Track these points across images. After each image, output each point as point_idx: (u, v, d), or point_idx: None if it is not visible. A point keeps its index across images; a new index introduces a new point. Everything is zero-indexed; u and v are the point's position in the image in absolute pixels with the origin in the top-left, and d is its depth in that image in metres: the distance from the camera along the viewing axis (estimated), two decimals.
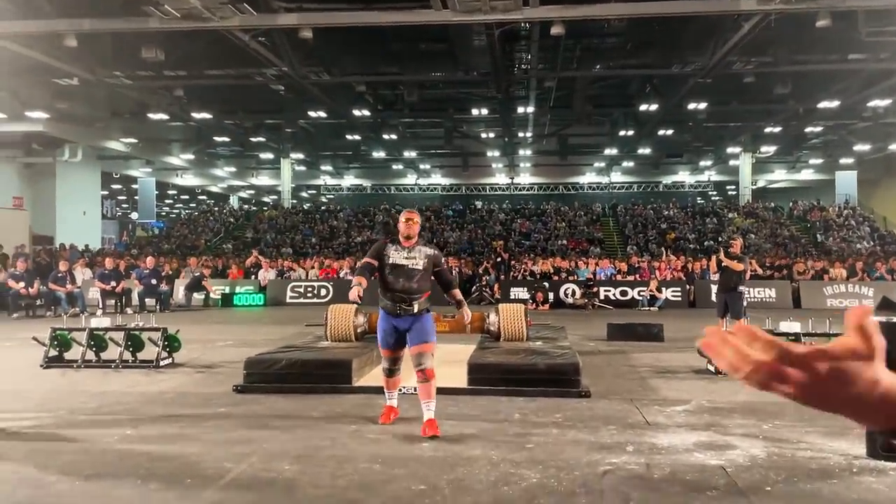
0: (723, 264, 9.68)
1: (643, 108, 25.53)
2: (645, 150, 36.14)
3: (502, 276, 20.81)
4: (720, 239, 25.85)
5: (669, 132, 31.42)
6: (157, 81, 22.87)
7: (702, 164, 40.43)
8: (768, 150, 35.11)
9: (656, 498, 4.19)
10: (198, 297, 18.71)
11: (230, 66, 21.32)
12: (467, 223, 31.23)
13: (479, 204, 37.74)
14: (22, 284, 15.56)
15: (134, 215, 48.28)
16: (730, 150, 35.63)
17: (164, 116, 26.90)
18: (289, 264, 21.93)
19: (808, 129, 30.60)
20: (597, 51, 22.03)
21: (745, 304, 9.89)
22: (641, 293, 18.14)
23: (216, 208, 40.55)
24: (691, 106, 25.32)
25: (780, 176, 42.08)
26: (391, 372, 5.80)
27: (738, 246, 9.97)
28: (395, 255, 5.50)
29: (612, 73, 23.40)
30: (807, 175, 40.82)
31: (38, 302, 15.72)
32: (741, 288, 9.65)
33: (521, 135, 32.65)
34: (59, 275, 16.08)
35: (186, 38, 18.31)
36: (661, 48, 20.62)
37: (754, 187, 38.07)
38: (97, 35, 17.80)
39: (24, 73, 21.23)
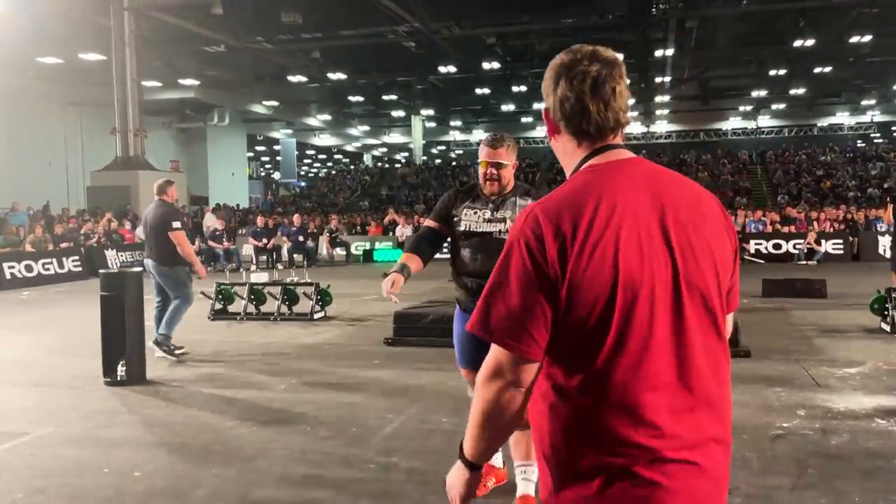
0: None
1: (797, 44, 23.38)
2: (798, 91, 33.23)
3: None
4: (889, 185, 23.55)
5: (826, 69, 28.64)
6: (296, 44, 23.68)
7: (863, 103, 36.66)
8: None
9: (836, 467, 3.90)
10: (340, 252, 19.54)
11: (364, 25, 21.65)
12: None
13: None
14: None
15: (277, 175, 50.96)
16: None
17: (303, 78, 27.92)
18: (423, 220, 22.32)
19: None
20: None
21: None
22: (798, 246, 16.89)
23: (352, 167, 41.93)
24: (853, 39, 22.90)
25: None
26: None
27: None
28: (470, 217, 3.36)
29: (761, 7, 21.55)
30: None
31: (200, 258, 16.98)
32: None
33: (657, 80, 31.00)
34: (217, 233, 17.27)
35: (323, 0, 18.72)
36: None
37: None
38: (241, 2, 18.59)
39: (176, 43, 22.66)
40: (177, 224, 6.93)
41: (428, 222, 3.49)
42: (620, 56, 1.39)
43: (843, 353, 6.69)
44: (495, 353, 1.32)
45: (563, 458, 1.29)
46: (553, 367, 1.30)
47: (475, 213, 3.34)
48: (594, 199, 1.28)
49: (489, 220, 3.32)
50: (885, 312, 7.58)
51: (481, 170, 3.33)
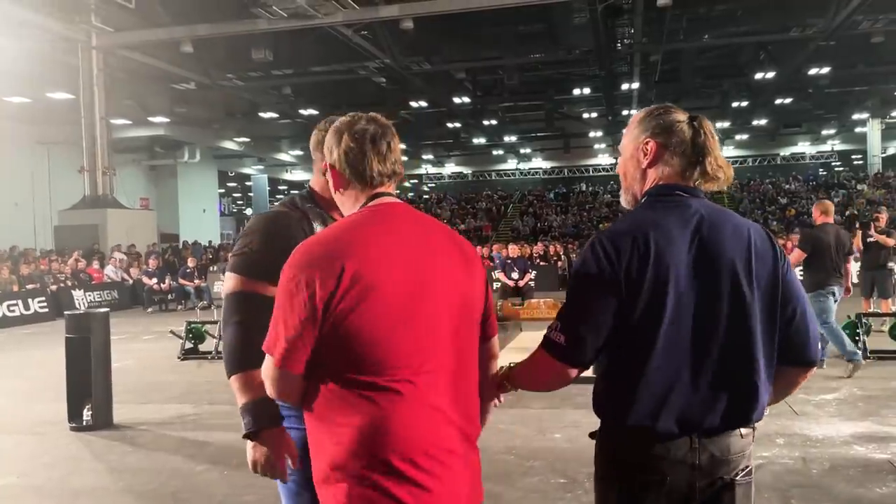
0: (870, 240, 8.93)
1: (758, 76, 24.09)
2: (760, 122, 34.16)
3: None
4: (849, 213, 24.11)
5: (787, 101, 29.49)
6: (267, 81, 23.75)
7: (824, 133, 37.79)
8: None
9: (819, 495, 3.89)
10: None
11: (334, 61, 21.82)
12: (571, 206, 30.67)
13: (583, 186, 36.99)
14: (155, 281, 16.57)
15: (248, 211, 50.63)
16: (856, 116, 33.10)
17: (274, 115, 27.96)
18: None
19: None
20: (705, 19, 20.93)
21: (894, 281, 9.11)
22: None
23: None
24: (812, 71, 23.64)
25: None
26: None
27: (883, 219, 9.19)
28: None
29: (722, 42, 22.19)
30: None
31: (170, 296, 16.70)
32: (891, 264, 8.88)
33: (624, 112, 31.63)
34: (188, 270, 17.02)
35: (293, 38, 18.84)
36: (776, 11, 19.32)
37: (884, 155, 35.21)
38: (211, 40, 18.63)
39: (146, 81, 22.58)
40: None
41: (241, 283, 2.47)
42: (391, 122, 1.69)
43: (817, 380, 6.72)
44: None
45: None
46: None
47: None
48: (375, 235, 1.50)
49: None
50: (857, 338, 7.67)
51: None
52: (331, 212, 2.12)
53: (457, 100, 26.70)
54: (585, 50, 21.76)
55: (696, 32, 21.57)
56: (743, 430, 1.61)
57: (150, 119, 25.82)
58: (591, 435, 1.73)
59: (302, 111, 27.56)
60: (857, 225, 10.79)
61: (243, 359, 1.83)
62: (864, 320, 7.75)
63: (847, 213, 24.96)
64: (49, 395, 6.72)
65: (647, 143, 1.70)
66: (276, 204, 2.15)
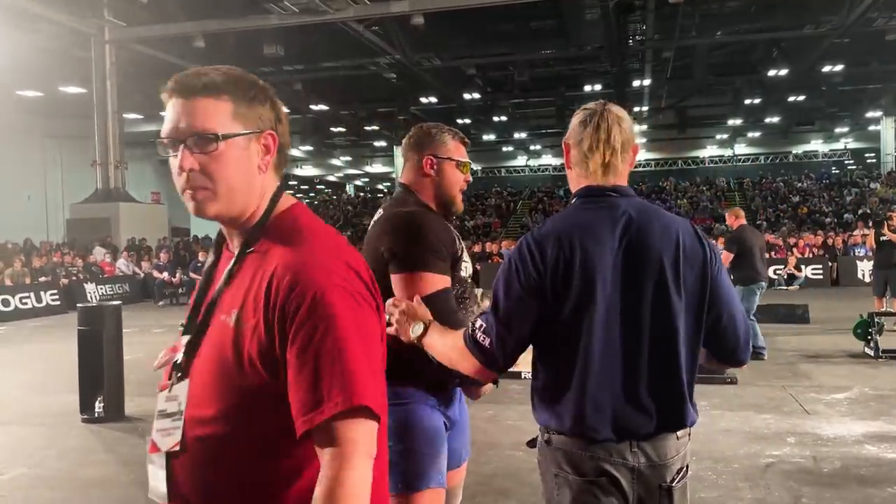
0: (883, 238, 8.86)
1: (771, 73, 23.91)
2: (773, 119, 33.93)
3: None
4: (862, 211, 23.90)
5: (800, 98, 29.27)
6: (278, 76, 23.75)
7: (837, 131, 37.47)
8: None
9: (830, 494, 3.86)
10: None
11: (345, 57, 21.83)
12: None
13: None
14: (165, 274, 16.66)
15: None
16: (869, 114, 32.81)
17: (285, 110, 27.74)
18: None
19: None
20: (718, 16, 20.79)
21: None
22: (778, 271, 17.04)
23: (334, 197, 41.91)
24: (825, 69, 23.46)
25: None
26: None
27: None
28: (467, 257, 2.26)
29: (735, 38, 22.05)
30: None
31: (180, 290, 16.79)
32: None
33: (636, 109, 31.49)
34: (198, 264, 17.08)
35: (304, 33, 18.87)
36: (790, 8, 19.17)
37: None
38: (222, 35, 18.69)
39: (158, 75, 22.58)
40: None
41: (444, 281, 1.98)
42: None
43: (829, 379, 6.69)
44: None
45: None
46: None
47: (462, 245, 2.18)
48: None
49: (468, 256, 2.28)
50: (869, 337, 7.62)
51: (458, 177, 2.18)
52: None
53: (467, 96, 26.67)
54: (597, 46, 21.67)
55: (708, 29, 21.43)
56: (679, 432, 1.61)
57: (162, 114, 25.59)
58: (530, 444, 1.73)
59: (312, 106, 27.62)
60: (871, 224, 10.71)
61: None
62: (876, 319, 7.70)
63: (860, 211, 24.76)
64: (61, 386, 6.77)
65: (565, 145, 1.75)
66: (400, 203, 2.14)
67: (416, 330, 1.76)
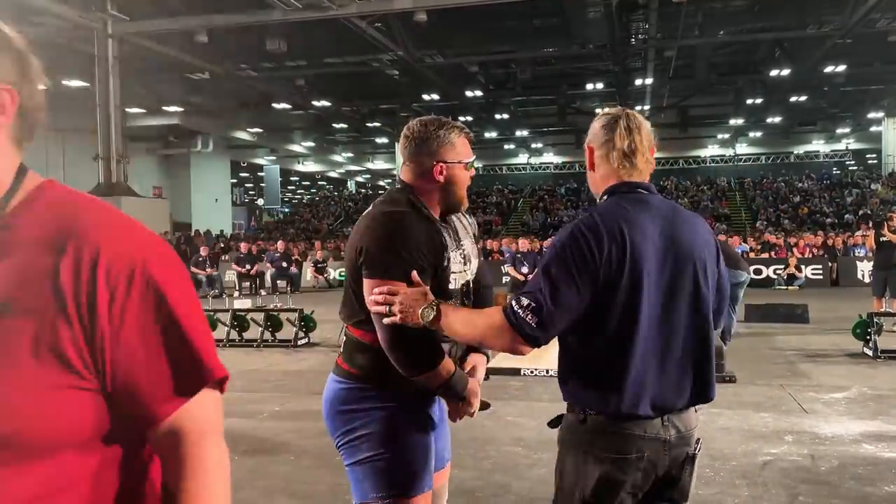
0: (883, 239, 8.88)
1: (773, 73, 23.89)
2: (774, 119, 33.89)
3: None
4: (862, 212, 23.92)
5: (802, 98, 29.24)
6: (280, 72, 23.79)
7: (838, 131, 37.42)
8: None
9: (827, 493, 3.89)
10: (331, 277, 19.59)
11: (348, 53, 21.82)
12: (581, 202, 30.58)
13: None
14: None
15: (260, 201, 50.83)
16: (871, 115, 32.78)
17: (287, 106, 28.01)
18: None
19: None
20: (721, 15, 20.77)
21: None
22: (777, 271, 17.05)
23: (335, 193, 41.93)
24: (827, 69, 23.43)
25: None
26: None
27: None
28: (457, 263, 2.09)
29: (738, 38, 22.02)
30: None
31: None
32: None
33: (637, 108, 31.29)
34: (200, 259, 17.13)
35: (307, 29, 18.86)
36: (793, 8, 19.15)
37: None
38: (226, 30, 18.68)
39: (160, 70, 22.67)
40: None
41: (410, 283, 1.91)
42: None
43: (827, 378, 6.72)
44: None
45: None
46: None
47: (454, 254, 2.05)
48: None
49: (464, 261, 2.12)
50: (868, 337, 7.65)
51: (466, 178, 2.09)
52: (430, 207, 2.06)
53: (469, 93, 26.65)
54: (599, 45, 21.65)
55: (711, 28, 21.40)
56: (697, 406, 1.79)
57: (164, 108, 25.95)
58: (552, 424, 1.81)
59: (315, 102, 27.61)
60: (871, 224, 10.74)
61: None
62: (875, 320, 7.72)
63: (860, 212, 24.77)
64: None
65: (589, 148, 1.87)
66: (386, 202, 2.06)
67: (426, 314, 1.78)
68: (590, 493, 1.67)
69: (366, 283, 1.91)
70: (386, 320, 1.84)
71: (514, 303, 1.66)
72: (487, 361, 2.22)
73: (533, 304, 1.63)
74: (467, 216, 2.25)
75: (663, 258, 1.70)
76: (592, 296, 1.64)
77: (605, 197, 1.81)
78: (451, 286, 2.04)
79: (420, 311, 1.78)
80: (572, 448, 1.73)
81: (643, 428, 1.67)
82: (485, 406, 2.08)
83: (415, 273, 1.87)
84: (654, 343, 1.68)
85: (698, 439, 1.78)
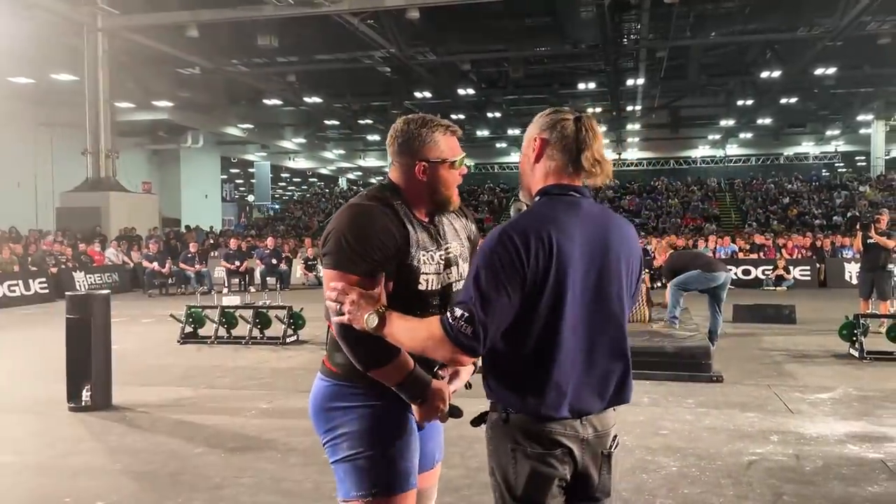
0: (870, 241, 8.94)
1: (763, 75, 24.04)
2: (764, 121, 34.10)
3: None
4: (851, 214, 24.08)
5: (792, 100, 29.44)
6: (271, 68, 23.70)
7: (828, 133, 37.68)
8: None
9: (811, 493, 3.91)
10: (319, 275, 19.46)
11: (339, 50, 21.78)
12: None
13: None
14: (155, 264, 16.60)
15: (251, 198, 50.63)
16: (860, 117, 33.04)
17: (278, 102, 27.92)
18: None
19: None
20: (712, 16, 20.85)
21: (893, 283, 9.13)
22: (766, 272, 17.13)
23: (326, 190, 41.81)
24: (818, 71, 23.58)
25: None
26: None
27: (884, 221, 9.18)
28: (429, 265, 1.99)
29: (729, 39, 22.12)
30: None
31: (170, 280, 16.73)
32: (890, 266, 8.90)
33: (629, 108, 31.55)
34: (189, 255, 17.03)
35: (298, 25, 18.80)
36: (785, 10, 19.26)
37: (887, 157, 35.11)
38: (216, 25, 18.59)
39: (151, 65, 22.55)
40: None
41: (366, 284, 1.86)
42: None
43: (813, 379, 6.76)
44: None
45: None
46: None
47: (429, 254, 1.99)
48: None
49: (446, 264, 2.04)
50: (854, 338, 7.70)
51: (453, 177, 2.03)
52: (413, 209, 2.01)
53: (461, 91, 26.67)
54: (591, 44, 21.70)
55: (703, 29, 21.49)
56: (615, 407, 1.84)
57: (154, 103, 25.78)
58: (475, 423, 1.84)
59: (306, 99, 27.54)
60: (858, 226, 10.81)
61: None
62: (861, 321, 7.77)
63: (849, 214, 24.93)
64: (48, 375, 6.75)
65: (535, 140, 1.82)
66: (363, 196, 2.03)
67: (370, 321, 1.76)
68: (523, 487, 1.71)
69: (324, 273, 1.93)
70: (334, 319, 1.85)
71: (448, 314, 1.66)
72: (475, 369, 2.02)
73: (466, 314, 1.62)
74: (465, 219, 2.19)
75: (589, 263, 1.71)
76: (522, 300, 1.65)
77: (537, 198, 1.80)
78: (423, 287, 1.96)
79: (365, 316, 1.77)
80: (499, 444, 1.75)
81: (563, 426, 1.72)
82: (455, 412, 1.98)
83: (380, 277, 1.87)
84: (576, 348, 1.71)
85: (615, 437, 1.82)
